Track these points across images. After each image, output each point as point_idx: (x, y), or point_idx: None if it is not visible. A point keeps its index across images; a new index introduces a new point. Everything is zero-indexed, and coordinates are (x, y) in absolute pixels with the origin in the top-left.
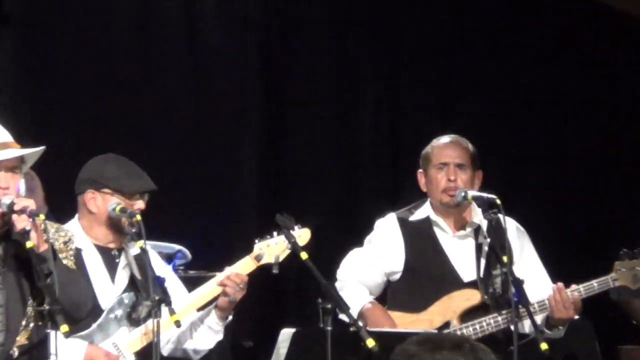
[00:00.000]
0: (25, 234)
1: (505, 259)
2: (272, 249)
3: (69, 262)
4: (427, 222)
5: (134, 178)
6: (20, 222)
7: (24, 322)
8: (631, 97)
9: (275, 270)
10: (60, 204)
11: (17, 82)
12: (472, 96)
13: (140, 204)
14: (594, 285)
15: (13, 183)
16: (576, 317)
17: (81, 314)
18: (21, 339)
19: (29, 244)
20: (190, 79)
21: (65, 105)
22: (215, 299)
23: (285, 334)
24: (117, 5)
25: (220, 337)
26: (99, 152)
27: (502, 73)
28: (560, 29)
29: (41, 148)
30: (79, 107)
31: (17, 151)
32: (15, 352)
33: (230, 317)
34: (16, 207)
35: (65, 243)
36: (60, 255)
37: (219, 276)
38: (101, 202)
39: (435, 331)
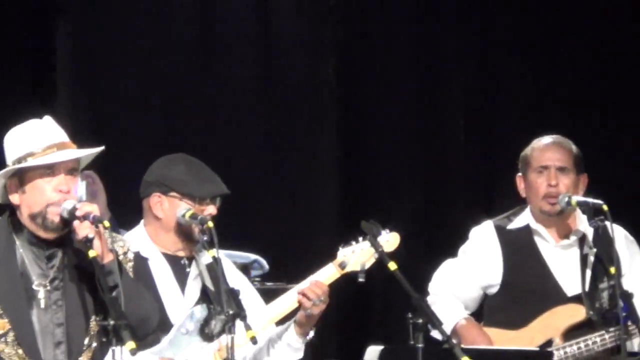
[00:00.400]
0: (88, 242)
1: (613, 270)
2: (357, 255)
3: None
4: (527, 231)
5: (204, 181)
6: (83, 230)
7: (86, 341)
8: None
9: (361, 279)
10: (124, 210)
11: (74, 77)
12: (570, 91)
13: (211, 209)
14: None
15: (73, 186)
16: None
17: (148, 330)
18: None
19: (92, 254)
20: (265, 75)
21: (127, 100)
22: (295, 312)
23: (372, 352)
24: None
25: (300, 355)
26: (166, 152)
27: (602, 66)
28: None
29: (100, 148)
30: (142, 101)
31: (76, 152)
32: None
33: (312, 334)
34: (78, 213)
35: (124, 254)
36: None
37: (300, 286)
38: (168, 206)
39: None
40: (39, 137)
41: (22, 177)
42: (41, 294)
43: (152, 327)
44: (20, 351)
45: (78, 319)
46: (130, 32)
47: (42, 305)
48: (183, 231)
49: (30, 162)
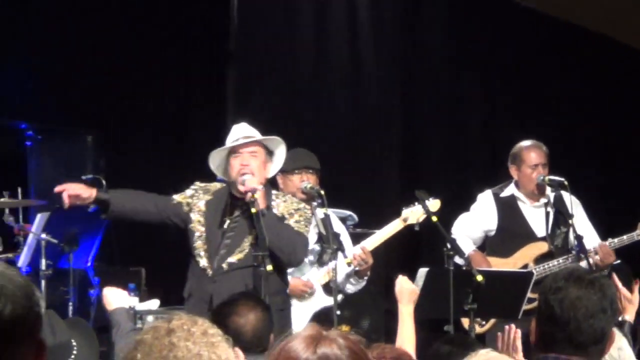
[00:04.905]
0: (251, 203)
1: (571, 221)
2: (414, 214)
3: (298, 225)
4: (512, 197)
5: (291, 159)
6: (248, 197)
7: (241, 257)
8: None
9: (416, 228)
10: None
11: (239, 109)
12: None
13: (303, 177)
14: (624, 238)
15: (253, 162)
16: (616, 261)
17: (290, 258)
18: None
19: (252, 210)
20: (352, 95)
21: (277, 115)
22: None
23: (422, 271)
24: (302, 49)
25: (359, 287)
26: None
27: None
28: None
29: (271, 137)
30: (283, 118)
31: (248, 139)
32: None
33: (366, 278)
34: (241, 188)
35: (297, 209)
36: (292, 217)
37: (373, 238)
38: (280, 181)
39: (577, 266)
40: (235, 132)
41: (227, 159)
42: (224, 228)
43: (294, 255)
44: (204, 253)
45: (240, 244)
46: (269, 68)
47: (226, 233)
48: (308, 197)
49: (223, 147)
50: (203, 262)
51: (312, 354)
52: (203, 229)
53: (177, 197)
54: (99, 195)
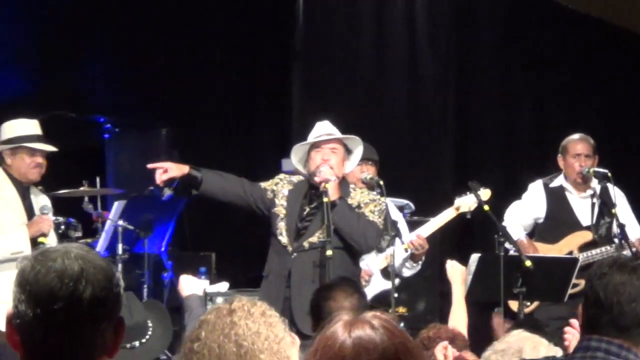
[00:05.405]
0: (324, 193)
1: (614, 211)
2: (466, 203)
3: (372, 214)
4: (561, 188)
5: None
6: (321, 187)
7: (315, 239)
8: None
9: (468, 216)
10: None
11: (304, 105)
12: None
13: (364, 168)
14: None
15: (333, 157)
16: None
17: (362, 244)
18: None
19: (325, 200)
20: (410, 91)
21: (340, 111)
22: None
23: (474, 257)
24: (363, 49)
25: (415, 271)
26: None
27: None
28: None
29: (345, 136)
30: (345, 113)
31: (326, 136)
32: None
33: (421, 262)
34: (316, 179)
35: (372, 200)
36: (367, 207)
37: (427, 225)
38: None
39: (623, 255)
40: (318, 129)
41: (309, 152)
42: (304, 214)
43: (364, 243)
44: (285, 232)
45: (320, 227)
46: (334, 69)
47: (305, 218)
48: (368, 187)
49: (306, 141)
50: (284, 239)
51: (348, 337)
52: (285, 211)
53: (263, 184)
54: (191, 172)
